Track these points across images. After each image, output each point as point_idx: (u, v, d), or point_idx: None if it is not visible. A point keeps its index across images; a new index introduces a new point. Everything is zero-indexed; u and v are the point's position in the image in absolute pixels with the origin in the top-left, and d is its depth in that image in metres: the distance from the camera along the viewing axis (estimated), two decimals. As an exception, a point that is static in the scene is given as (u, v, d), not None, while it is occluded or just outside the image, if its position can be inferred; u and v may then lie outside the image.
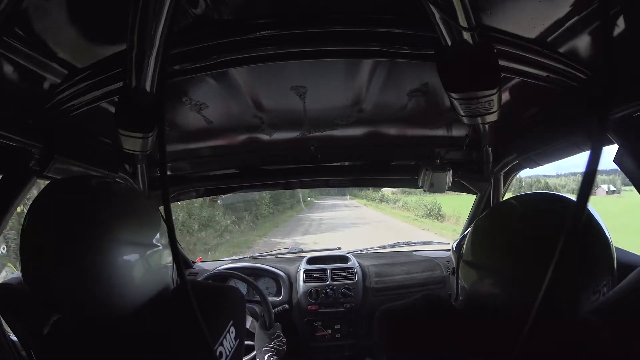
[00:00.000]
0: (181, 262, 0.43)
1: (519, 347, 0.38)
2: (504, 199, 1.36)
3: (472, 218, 1.70)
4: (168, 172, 1.45)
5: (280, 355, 1.35)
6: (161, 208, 1.57)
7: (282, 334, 1.39)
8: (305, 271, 1.76)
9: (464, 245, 0.71)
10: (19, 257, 0.64)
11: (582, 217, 0.32)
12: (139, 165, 1.25)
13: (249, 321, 1.41)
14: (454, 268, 0.76)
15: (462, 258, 0.70)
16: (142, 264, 0.65)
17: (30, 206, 0.65)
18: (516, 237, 0.61)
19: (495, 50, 0.71)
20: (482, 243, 0.66)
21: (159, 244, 0.70)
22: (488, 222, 0.69)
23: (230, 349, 0.68)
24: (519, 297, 0.56)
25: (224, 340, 0.68)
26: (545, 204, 0.65)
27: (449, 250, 1.96)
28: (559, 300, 0.55)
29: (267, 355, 1.29)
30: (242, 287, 1.57)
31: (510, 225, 0.64)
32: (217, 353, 0.66)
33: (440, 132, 1.28)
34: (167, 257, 0.74)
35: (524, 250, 0.58)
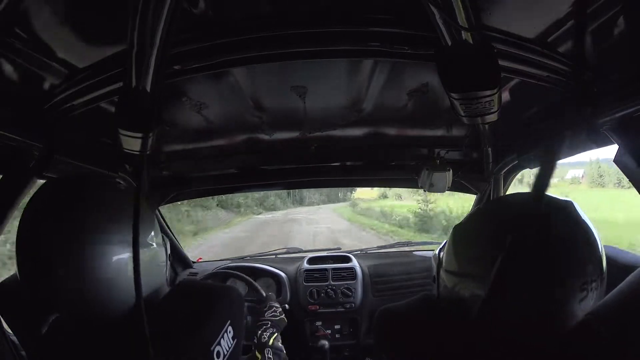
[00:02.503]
0: (139, 274, 0.43)
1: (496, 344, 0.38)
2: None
3: None
4: (168, 172, 1.46)
5: (280, 327, 1.18)
6: (163, 208, 1.57)
7: (275, 305, 1.24)
8: (306, 271, 1.76)
9: (444, 252, 0.71)
10: (16, 256, 0.64)
11: (540, 207, 0.32)
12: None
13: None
14: (434, 276, 0.76)
15: (442, 265, 0.70)
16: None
17: (26, 205, 0.65)
18: (490, 238, 0.61)
19: (495, 50, 0.71)
20: (460, 248, 0.67)
21: (153, 243, 0.70)
22: (463, 227, 0.70)
23: (227, 349, 0.68)
24: (499, 298, 0.55)
25: (222, 340, 0.68)
26: (520, 204, 0.65)
27: None
28: (542, 299, 0.54)
29: (260, 330, 1.11)
30: (242, 287, 1.57)
31: (485, 227, 0.64)
32: (215, 353, 0.66)
33: (440, 132, 1.28)
34: (162, 257, 0.75)
35: (493, 250, 0.57)
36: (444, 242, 0.75)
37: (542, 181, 0.32)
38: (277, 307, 1.23)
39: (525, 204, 0.61)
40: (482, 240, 0.63)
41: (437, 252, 0.78)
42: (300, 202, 18.90)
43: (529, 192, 0.66)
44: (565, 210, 0.59)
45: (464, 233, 0.68)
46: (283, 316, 1.22)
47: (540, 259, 0.52)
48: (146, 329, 0.42)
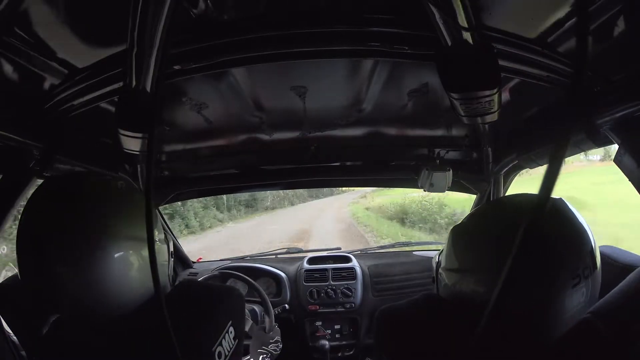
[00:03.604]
0: (157, 269, 0.43)
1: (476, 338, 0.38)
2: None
3: None
4: (167, 173, 1.46)
5: (273, 358, 1.34)
6: (161, 208, 1.57)
7: (280, 340, 1.37)
8: (306, 271, 1.76)
9: (443, 252, 0.73)
10: (16, 255, 0.64)
11: (545, 206, 0.32)
12: (139, 165, 1.25)
13: (249, 324, 1.38)
14: (433, 277, 0.78)
15: (441, 265, 0.72)
16: (139, 260, 0.65)
17: (26, 204, 0.65)
18: (490, 237, 0.62)
19: (495, 50, 0.71)
20: (460, 247, 0.68)
21: (156, 240, 0.70)
22: (463, 227, 0.71)
23: (229, 349, 0.68)
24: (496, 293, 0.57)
25: (223, 340, 0.68)
26: (520, 203, 0.66)
27: None
28: (534, 290, 0.56)
29: (261, 356, 1.27)
30: (242, 287, 1.57)
31: (485, 227, 0.66)
32: (216, 353, 0.66)
33: (440, 132, 1.28)
34: (164, 254, 0.74)
35: (496, 247, 0.59)
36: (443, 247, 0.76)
37: (549, 182, 0.32)
38: (280, 344, 1.36)
39: (526, 204, 0.62)
40: (482, 238, 0.64)
41: (437, 257, 0.79)
42: (253, 206, 10.05)
43: (529, 194, 0.67)
44: (557, 208, 0.62)
45: (464, 232, 0.70)
46: (280, 351, 1.36)
47: (536, 255, 0.53)
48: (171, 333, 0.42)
